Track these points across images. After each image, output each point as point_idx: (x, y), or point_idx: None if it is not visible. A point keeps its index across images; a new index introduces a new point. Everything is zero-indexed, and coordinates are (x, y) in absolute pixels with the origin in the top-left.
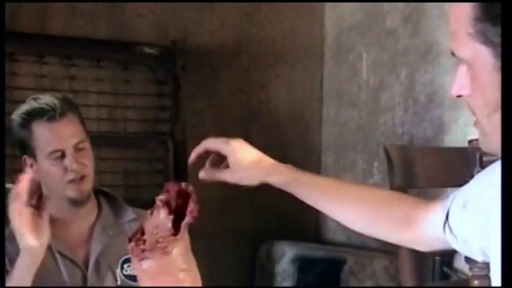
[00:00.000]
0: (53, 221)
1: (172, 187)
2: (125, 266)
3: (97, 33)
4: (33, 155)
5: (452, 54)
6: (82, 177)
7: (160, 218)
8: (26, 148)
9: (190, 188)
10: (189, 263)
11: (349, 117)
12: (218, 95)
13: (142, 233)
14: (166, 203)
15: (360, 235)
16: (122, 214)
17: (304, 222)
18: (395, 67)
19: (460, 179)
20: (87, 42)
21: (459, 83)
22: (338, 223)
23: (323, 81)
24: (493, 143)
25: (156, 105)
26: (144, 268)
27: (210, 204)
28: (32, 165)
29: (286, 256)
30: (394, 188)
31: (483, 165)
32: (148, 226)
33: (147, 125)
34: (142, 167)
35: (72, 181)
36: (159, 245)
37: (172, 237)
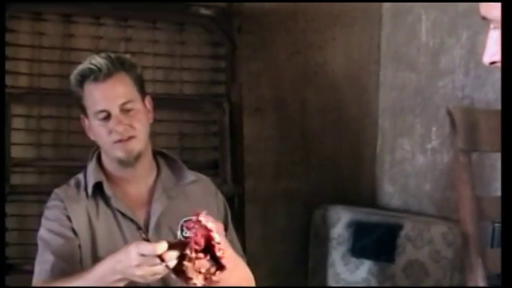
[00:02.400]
0: (113, 180)
1: (195, 239)
2: (185, 228)
3: None
4: (87, 115)
5: (483, 18)
6: (129, 138)
7: (198, 262)
8: (82, 108)
9: (207, 219)
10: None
11: (407, 80)
12: (274, 57)
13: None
14: (195, 251)
15: (418, 200)
16: (181, 176)
17: (360, 187)
18: (456, 29)
19: None
20: (143, 4)
21: (491, 50)
22: (395, 188)
23: (381, 44)
24: None
25: (212, 67)
26: None
27: (265, 167)
28: (88, 126)
29: (341, 221)
30: (456, 151)
31: None
32: (191, 272)
33: (203, 87)
34: (197, 129)
35: (118, 141)
36: (210, 280)
37: (216, 271)
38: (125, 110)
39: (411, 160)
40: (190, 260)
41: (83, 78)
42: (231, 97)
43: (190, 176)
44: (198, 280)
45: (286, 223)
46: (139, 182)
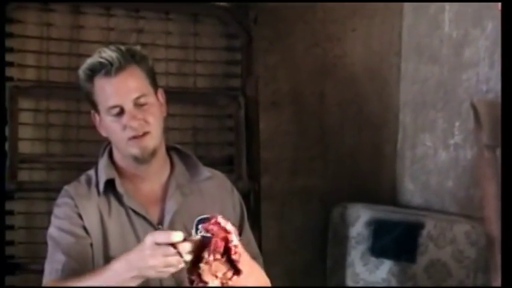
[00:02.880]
0: (126, 176)
1: (215, 242)
2: (200, 226)
3: None
4: (97, 110)
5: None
6: (144, 134)
7: (214, 265)
8: (92, 103)
9: (230, 228)
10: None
11: (429, 73)
12: (292, 49)
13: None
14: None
15: (440, 198)
16: (196, 172)
17: (380, 184)
18: (481, 19)
19: None
20: None
21: None
22: (416, 185)
23: (402, 35)
24: None
25: (226, 59)
26: None
27: (282, 163)
28: (99, 122)
29: (360, 219)
30: (481, 147)
31: None
32: (207, 276)
33: (218, 80)
34: (212, 124)
35: (133, 138)
36: (226, 283)
37: (233, 276)
38: (138, 105)
39: (433, 156)
40: (207, 262)
41: (93, 72)
42: (246, 91)
43: (206, 172)
44: (214, 284)
45: (304, 221)
46: (153, 179)
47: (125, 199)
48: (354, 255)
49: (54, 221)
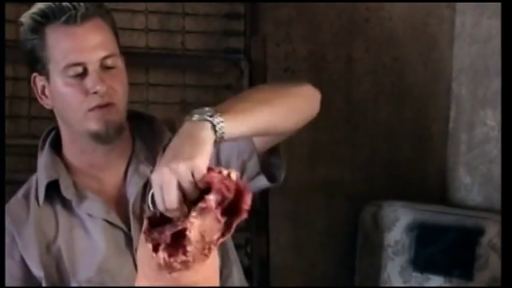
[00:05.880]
0: (78, 171)
1: (223, 182)
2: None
3: None
4: (45, 72)
5: None
6: (108, 105)
7: (209, 221)
8: (37, 62)
9: (238, 177)
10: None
11: (493, 31)
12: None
13: (177, 241)
14: (219, 204)
15: None
16: (160, 139)
17: (426, 176)
18: None
19: None
20: None
21: None
22: (473, 178)
23: None
24: None
25: (226, 12)
26: (177, 278)
27: (297, 149)
28: (43, 88)
29: (399, 222)
30: None
31: None
32: (194, 233)
33: (213, 39)
34: (205, 97)
35: (95, 108)
36: (205, 251)
37: (219, 240)
38: (105, 67)
39: (497, 140)
40: (203, 211)
41: (46, 19)
42: (251, 54)
43: (168, 135)
44: (190, 251)
45: (325, 224)
46: (113, 165)
47: (75, 204)
48: (390, 269)
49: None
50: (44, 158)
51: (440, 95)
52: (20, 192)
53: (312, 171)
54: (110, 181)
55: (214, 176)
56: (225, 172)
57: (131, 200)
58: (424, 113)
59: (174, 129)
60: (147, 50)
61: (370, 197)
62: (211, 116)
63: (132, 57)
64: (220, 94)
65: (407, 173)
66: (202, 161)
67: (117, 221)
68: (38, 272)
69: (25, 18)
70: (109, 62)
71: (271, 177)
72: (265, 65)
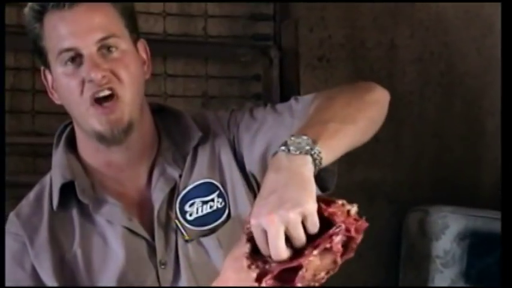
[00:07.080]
0: (96, 170)
1: (347, 221)
2: (187, 206)
3: None
4: (47, 64)
5: None
6: (112, 97)
7: (326, 261)
8: (39, 53)
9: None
10: None
11: None
12: None
13: (284, 273)
14: (343, 246)
15: None
16: (189, 136)
17: (479, 179)
18: None
19: None
20: None
21: None
22: None
23: None
24: None
25: None
26: None
27: None
28: (53, 83)
29: (449, 230)
30: None
31: None
32: (309, 273)
33: (239, 24)
34: (230, 89)
35: (96, 102)
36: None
37: (324, 278)
38: (104, 49)
39: None
40: (325, 251)
41: (44, 8)
42: (281, 40)
43: (198, 133)
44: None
45: (364, 231)
46: (136, 164)
47: (92, 209)
48: (439, 282)
49: (6, 252)
50: (58, 157)
51: (495, 86)
52: (32, 194)
53: (349, 173)
54: (131, 183)
55: (336, 213)
56: (347, 208)
57: (156, 207)
58: (477, 107)
59: (205, 126)
60: (164, 37)
61: (416, 201)
62: (311, 149)
63: (148, 45)
64: (247, 86)
65: (457, 175)
66: (313, 207)
67: (140, 229)
68: (51, 283)
69: (28, 7)
70: (109, 42)
71: (322, 186)
72: (297, 53)
